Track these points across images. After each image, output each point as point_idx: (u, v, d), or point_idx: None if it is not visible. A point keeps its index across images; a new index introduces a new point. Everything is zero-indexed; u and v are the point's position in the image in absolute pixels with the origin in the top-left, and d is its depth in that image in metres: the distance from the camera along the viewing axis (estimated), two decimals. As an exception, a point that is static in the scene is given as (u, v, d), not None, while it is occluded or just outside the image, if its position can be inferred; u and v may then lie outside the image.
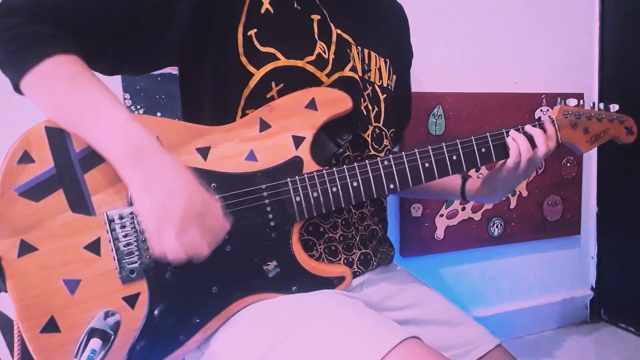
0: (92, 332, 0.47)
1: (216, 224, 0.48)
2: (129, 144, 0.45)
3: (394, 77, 0.71)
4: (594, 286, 1.37)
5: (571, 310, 1.34)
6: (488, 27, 1.18)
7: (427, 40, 1.10)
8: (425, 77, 1.10)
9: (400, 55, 0.74)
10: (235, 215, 0.51)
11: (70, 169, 0.48)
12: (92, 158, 0.49)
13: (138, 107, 0.92)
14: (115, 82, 0.88)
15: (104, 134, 0.46)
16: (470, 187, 0.74)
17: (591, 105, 0.70)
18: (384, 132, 0.66)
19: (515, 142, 0.62)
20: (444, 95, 1.12)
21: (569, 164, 1.28)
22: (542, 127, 0.64)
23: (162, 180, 0.45)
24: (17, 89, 0.48)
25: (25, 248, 0.46)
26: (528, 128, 0.63)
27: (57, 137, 0.48)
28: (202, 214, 0.46)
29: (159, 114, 0.93)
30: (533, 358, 1.15)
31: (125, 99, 0.91)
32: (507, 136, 0.62)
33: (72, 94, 0.46)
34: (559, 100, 0.68)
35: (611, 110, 0.70)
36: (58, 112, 0.47)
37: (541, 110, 1.23)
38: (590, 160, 1.34)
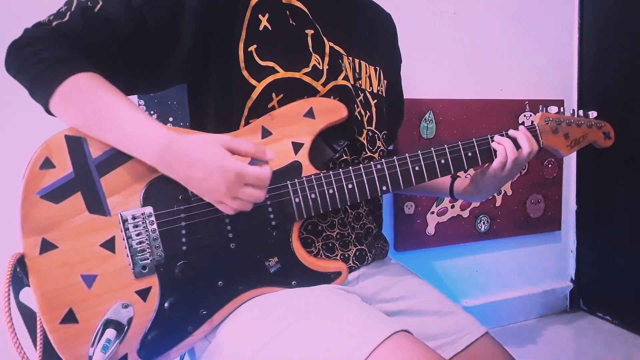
0: (108, 323, 0.47)
1: (254, 191, 0.47)
2: (157, 145, 0.45)
3: (385, 82, 0.70)
4: (573, 278, 1.36)
5: (552, 301, 1.33)
6: (475, 38, 1.18)
7: (419, 50, 1.10)
8: (418, 85, 1.10)
9: (390, 62, 0.73)
10: (239, 215, 0.51)
11: (87, 174, 0.48)
12: (108, 163, 0.49)
13: (151, 112, 0.92)
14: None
15: (132, 138, 0.46)
16: (459, 186, 0.73)
17: (571, 112, 0.69)
18: (376, 135, 0.66)
19: (501, 144, 0.61)
20: (435, 102, 1.12)
21: (550, 165, 1.28)
22: (523, 130, 0.64)
23: (195, 172, 0.45)
24: (47, 111, 0.48)
25: (46, 246, 0.46)
26: (511, 132, 0.63)
27: (76, 144, 0.48)
28: (238, 179, 0.45)
29: (170, 119, 0.93)
30: (517, 345, 1.14)
31: (140, 105, 0.91)
32: (492, 141, 0.62)
33: (97, 105, 0.46)
34: (541, 108, 0.67)
35: (590, 117, 0.69)
36: (87, 124, 0.48)
37: (524, 115, 1.22)
38: (570, 161, 1.34)
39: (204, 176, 0.45)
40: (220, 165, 0.45)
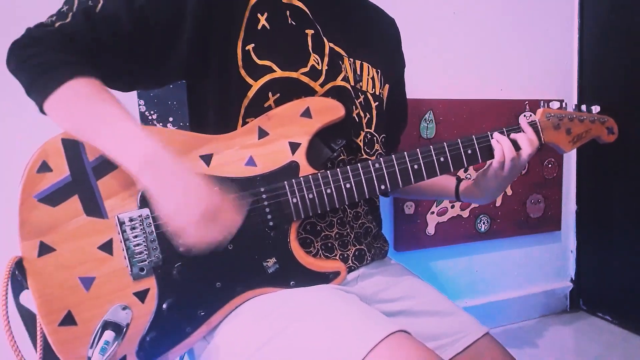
0: (106, 325, 0.47)
1: (229, 220, 0.48)
2: (142, 155, 0.45)
3: (386, 86, 0.69)
4: (573, 278, 1.36)
5: (552, 301, 1.33)
6: (475, 38, 1.17)
7: (419, 50, 1.10)
8: (418, 85, 1.09)
9: (392, 65, 0.73)
10: None
11: (84, 176, 0.48)
12: (105, 166, 0.49)
13: (152, 112, 0.92)
14: (130, 89, 0.88)
15: (119, 147, 0.46)
16: (464, 188, 0.72)
17: (573, 107, 0.67)
18: (375, 138, 0.65)
19: (500, 143, 0.60)
20: (435, 102, 1.11)
21: (550, 165, 1.27)
22: (524, 129, 0.62)
23: (177, 186, 0.45)
24: (42, 111, 0.48)
25: (45, 249, 0.46)
26: (512, 134, 0.62)
27: (73, 147, 0.48)
28: (215, 212, 0.46)
29: (170, 118, 0.93)
30: (518, 345, 1.14)
31: (140, 104, 0.91)
32: (492, 138, 0.61)
33: (89, 112, 0.46)
34: (542, 103, 0.66)
35: (593, 112, 0.68)
36: (78, 129, 0.47)
37: (524, 115, 1.21)
38: (570, 161, 1.33)
39: (183, 194, 0.45)
40: (204, 192, 0.45)
